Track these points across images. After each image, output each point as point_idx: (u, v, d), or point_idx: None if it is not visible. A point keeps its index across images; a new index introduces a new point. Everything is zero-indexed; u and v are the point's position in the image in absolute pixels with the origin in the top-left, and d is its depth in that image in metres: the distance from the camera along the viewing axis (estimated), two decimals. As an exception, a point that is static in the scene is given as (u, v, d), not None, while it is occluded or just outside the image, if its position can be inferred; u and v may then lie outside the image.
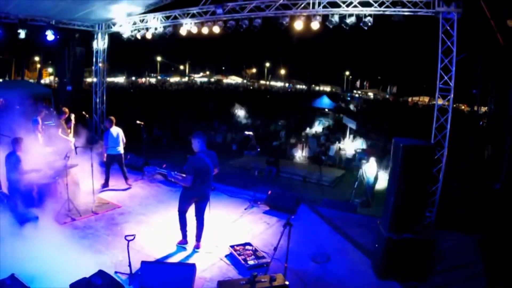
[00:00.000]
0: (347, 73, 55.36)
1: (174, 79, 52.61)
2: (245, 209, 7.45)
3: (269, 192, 7.64)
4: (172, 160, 9.87)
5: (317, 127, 18.83)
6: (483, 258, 5.67)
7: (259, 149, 8.94)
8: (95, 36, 11.53)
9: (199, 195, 5.43)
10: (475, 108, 11.86)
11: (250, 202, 7.70)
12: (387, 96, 49.66)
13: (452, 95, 7.04)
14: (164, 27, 10.05)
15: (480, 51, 8.50)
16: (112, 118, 8.04)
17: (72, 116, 8.92)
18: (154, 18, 10.18)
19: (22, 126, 7.82)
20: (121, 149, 8.01)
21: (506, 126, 7.36)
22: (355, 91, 52.44)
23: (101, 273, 4.17)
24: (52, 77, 33.37)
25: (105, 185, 8.07)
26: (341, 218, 7.28)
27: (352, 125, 14.00)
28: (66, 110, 8.78)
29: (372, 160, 9.85)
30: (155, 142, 15.03)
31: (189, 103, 25.64)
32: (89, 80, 25.51)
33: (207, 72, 58.67)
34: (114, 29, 11.11)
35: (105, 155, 7.95)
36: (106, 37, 11.52)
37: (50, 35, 9.85)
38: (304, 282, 4.92)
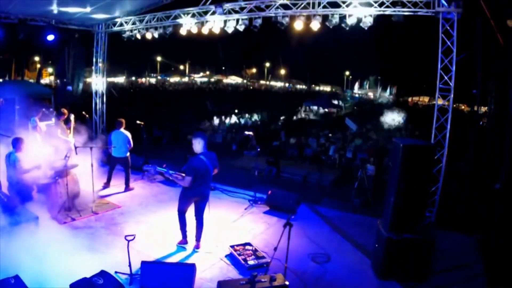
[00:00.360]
0: (347, 73, 55.39)
1: (174, 79, 52.55)
2: (245, 209, 7.45)
3: (269, 192, 7.64)
4: (172, 160, 9.86)
5: None
6: (483, 258, 5.68)
7: (259, 149, 8.92)
8: (95, 36, 11.53)
9: (199, 195, 5.44)
10: (475, 108, 11.83)
11: (250, 202, 7.71)
12: (388, 96, 49.65)
13: (452, 95, 7.04)
14: (164, 27, 10.04)
15: (480, 51, 8.49)
16: (121, 120, 8.02)
17: (72, 117, 8.90)
18: (154, 18, 10.18)
19: (21, 126, 7.83)
20: (124, 152, 7.94)
21: (506, 126, 7.36)
22: (354, 91, 52.47)
23: (102, 274, 4.17)
24: (52, 77, 33.33)
25: (106, 185, 8.07)
26: (341, 218, 7.29)
27: (352, 126, 14.01)
28: (65, 111, 8.76)
29: (372, 159, 9.86)
30: (155, 142, 15.03)
31: (189, 103, 25.64)
32: (89, 80, 25.49)
33: (207, 72, 58.63)
34: (114, 29, 11.11)
35: (109, 155, 7.98)
36: (106, 37, 11.52)
37: (50, 36, 9.86)
38: (304, 282, 4.92)
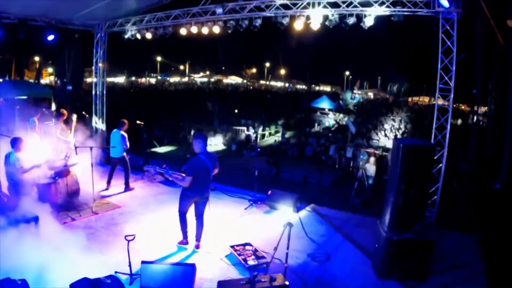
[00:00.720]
0: (347, 73, 55.43)
1: (174, 79, 52.59)
2: (245, 209, 7.45)
3: (269, 192, 7.64)
4: (172, 160, 9.88)
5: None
6: (483, 258, 5.68)
7: (259, 149, 8.92)
8: (95, 36, 11.52)
9: (199, 195, 5.43)
10: (475, 108, 11.84)
11: (250, 202, 7.71)
12: (387, 96, 49.65)
13: (452, 95, 7.04)
14: (164, 27, 10.04)
15: (480, 51, 8.49)
16: (124, 120, 8.00)
17: (74, 117, 8.88)
18: (154, 18, 10.18)
19: (21, 126, 7.83)
20: (120, 152, 7.92)
21: (506, 126, 7.36)
22: (355, 91, 52.45)
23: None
24: (52, 77, 33.35)
25: (107, 186, 8.06)
26: (341, 218, 7.29)
27: (352, 129, 14.03)
28: (65, 112, 8.74)
29: (372, 159, 9.88)
30: (155, 142, 15.02)
31: (189, 103, 25.65)
32: (89, 80, 25.51)
33: (207, 72, 58.66)
34: (114, 29, 11.10)
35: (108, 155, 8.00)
36: (106, 37, 11.51)
37: (50, 36, 9.86)
38: (304, 282, 4.92)
